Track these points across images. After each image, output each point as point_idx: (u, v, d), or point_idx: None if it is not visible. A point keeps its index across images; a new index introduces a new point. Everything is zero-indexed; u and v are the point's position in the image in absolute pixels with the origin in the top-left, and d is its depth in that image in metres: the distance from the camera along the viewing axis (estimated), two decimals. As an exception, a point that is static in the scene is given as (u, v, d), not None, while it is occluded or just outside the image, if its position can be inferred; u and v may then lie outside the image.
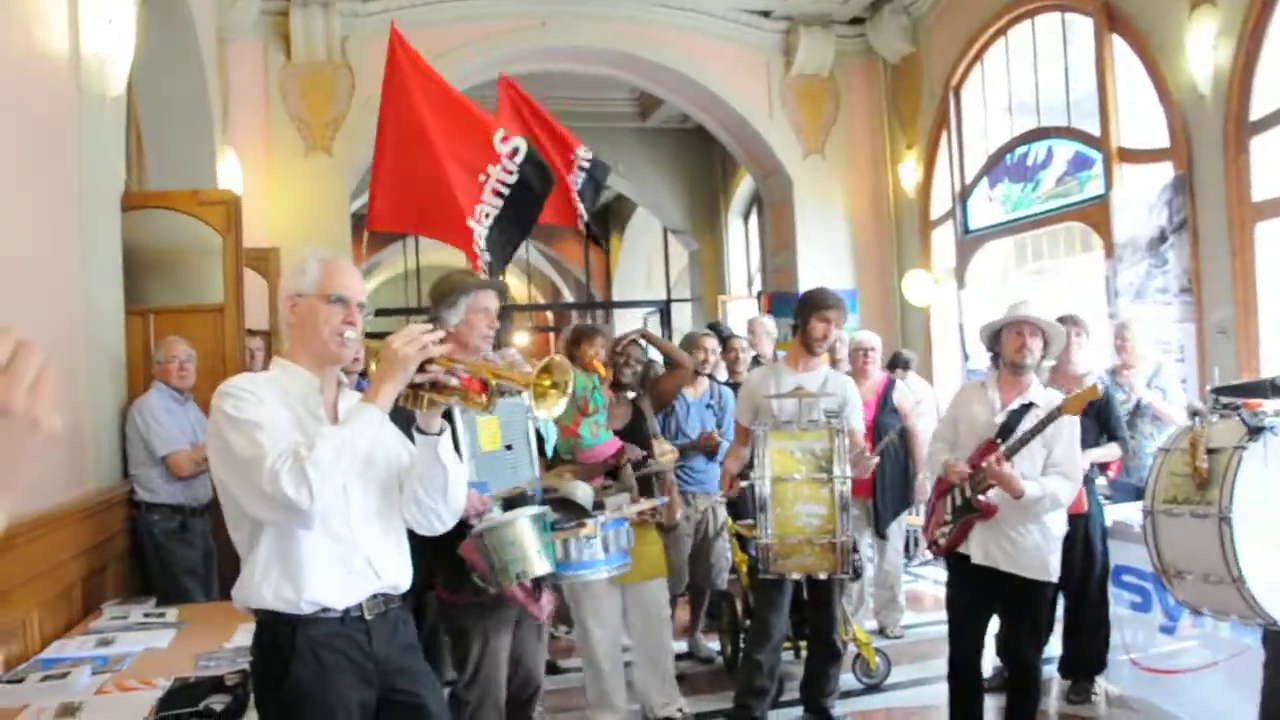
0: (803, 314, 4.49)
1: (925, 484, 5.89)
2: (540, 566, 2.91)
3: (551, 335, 19.57)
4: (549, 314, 22.50)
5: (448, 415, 3.04)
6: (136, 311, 5.34)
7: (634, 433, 4.73)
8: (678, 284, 16.03)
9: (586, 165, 5.89)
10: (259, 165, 8.51)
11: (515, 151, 5.32)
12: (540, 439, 5.22)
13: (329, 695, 2.29)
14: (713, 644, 5.81)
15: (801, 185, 9.96)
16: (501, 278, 6.15)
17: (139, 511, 4.69)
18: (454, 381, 2.35)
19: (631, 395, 4.98)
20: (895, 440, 5.61)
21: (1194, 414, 3.60)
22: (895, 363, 7.73)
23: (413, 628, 2.57)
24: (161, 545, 4.67)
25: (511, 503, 3.24)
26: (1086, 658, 4.82)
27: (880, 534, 5.84)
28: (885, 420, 5.75)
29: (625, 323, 17.87)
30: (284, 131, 8.65)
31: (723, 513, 5.66)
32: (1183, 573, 3.45)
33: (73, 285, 4.30)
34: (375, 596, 2.40)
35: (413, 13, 8.97)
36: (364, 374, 4.82)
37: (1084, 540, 4.67)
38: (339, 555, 2.34)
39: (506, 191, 5.30)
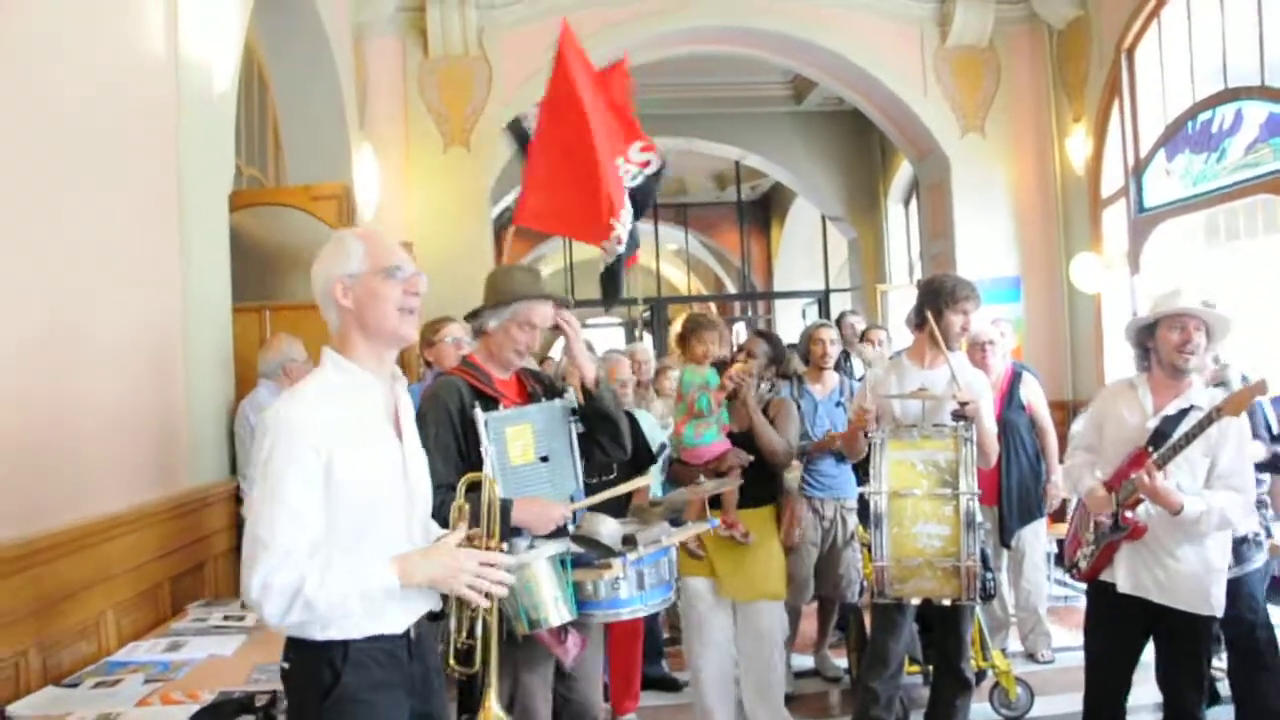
0: (934, 305, 3.98)
1: (1057, 495, 5.29)
2: (557, 615, 2.64)
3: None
4: (711, 305, 22.22)
5: (468, 422, 2.86)
6: (251, 308, 5.35)
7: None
8: (840, 273, 15.44)
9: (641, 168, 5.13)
10: (397, 160, 8.57)
11: (648, 163, 5.05)
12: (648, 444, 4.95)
13: (382, 707, 2.12)
14: (840, 661, 5.38)
15: (959, 166, 9.27)
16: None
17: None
18: None
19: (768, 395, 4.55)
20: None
21: None
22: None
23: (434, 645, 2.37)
24: None
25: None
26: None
27: (1005, 544, 5.25)
28: (1012, 417, 5.19)
29: (786, 313, 17.47)
30: (422, 126, 8.67)
31: (853, 520, 5.24)
32: None
33: (171, 280, 4.28)
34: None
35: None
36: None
37: None
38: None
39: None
